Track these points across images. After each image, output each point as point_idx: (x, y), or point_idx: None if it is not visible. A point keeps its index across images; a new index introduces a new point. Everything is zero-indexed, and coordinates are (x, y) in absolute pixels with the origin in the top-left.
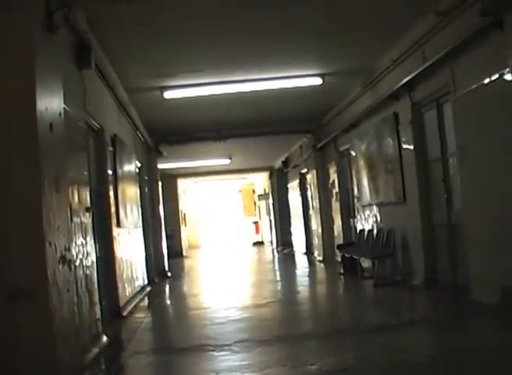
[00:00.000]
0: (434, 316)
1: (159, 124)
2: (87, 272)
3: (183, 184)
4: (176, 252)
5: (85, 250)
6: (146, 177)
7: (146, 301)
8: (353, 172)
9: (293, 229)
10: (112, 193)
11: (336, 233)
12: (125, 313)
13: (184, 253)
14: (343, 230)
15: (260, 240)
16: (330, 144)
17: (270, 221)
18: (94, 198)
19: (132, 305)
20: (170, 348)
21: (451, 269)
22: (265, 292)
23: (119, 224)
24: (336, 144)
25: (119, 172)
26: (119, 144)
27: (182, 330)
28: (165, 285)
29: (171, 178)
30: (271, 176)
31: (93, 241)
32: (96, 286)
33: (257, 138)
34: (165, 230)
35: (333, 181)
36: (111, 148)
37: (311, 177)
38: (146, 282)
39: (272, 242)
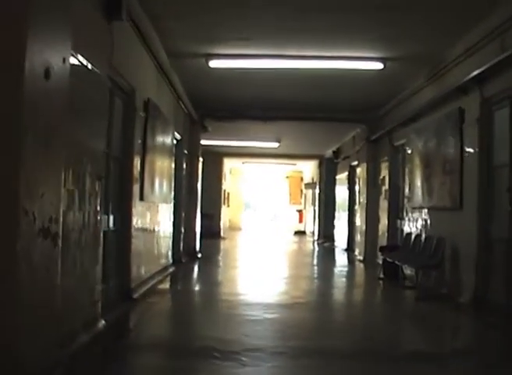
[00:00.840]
0: (482, 346)
1: (205, 97)
2: (88, 247)
3: (229, 164)
4: (213, 233)
5: (89, 223)
6: (186, 151)
7: (165, 284)
8: (407, 170)
9: (336, 222)
10: (137, 163)
11: (380, 233)
12: (136, 295)
13: (222, 234)
14: (388, 230)
15: (302, 229)
16: (385, 137)
17: (314, 211)
18: (115, 167)
19: (147, 287)
20: (169, 346)
21: (506, 291)
22: (295, 290)
23: (142, 198)
24: (391, 138)
25: (150, 141)
26: (154, 111)
27: (190, 325)
28: (192, 267)
29: (216, 156)
30: (320, 165)
31: (104, 212)
32: (99, 264)
33: (308, 123)
34: (202, 209)
35: (384, 177)
36: (142, 114)
37: (360, 171)
38: (170, 262)
39: (313, 233)
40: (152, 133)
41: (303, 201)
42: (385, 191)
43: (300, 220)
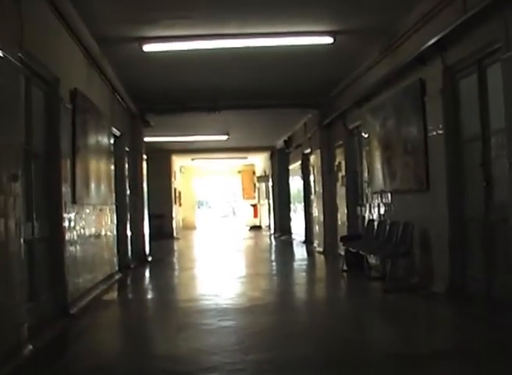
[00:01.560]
0: (467, 344)
1: (143, 88)
2: (7, 261)
3: (179, 162)
4: (166, 233)
5: (6, 231)
6: (127, 149)
7: (110, 293)
8: (364, 153)
9: (292, 215)
10: (66, 162)
11: (339, 223)
12: (74, 310)
13: (175, 234)
14: (348, 219)
15: (258, 224)
16: (338, 120)
17: (269, 205)
18: (38, 167)
19: (88, 299)
20: (111, 371)
21: (485, 278)
22: (253, 290)
23: (75, 200)
24: (345, 121)
25: (81, 137)
26: (83, 103)
27: (137, 342)
28: (141, 272)
29: (164, 153)
30: (272, 157)
31: (27, 219)
32: (22, 280)
33: (257, 113)
34: (150, 210)
35: (340, 163)
36: (69, 105)
37: (314, 158)
38: (116, 268)
39: (269, 227)
40: (83, 128)
41: (256, 195)
42: (342, 177)
43: (255, 215)
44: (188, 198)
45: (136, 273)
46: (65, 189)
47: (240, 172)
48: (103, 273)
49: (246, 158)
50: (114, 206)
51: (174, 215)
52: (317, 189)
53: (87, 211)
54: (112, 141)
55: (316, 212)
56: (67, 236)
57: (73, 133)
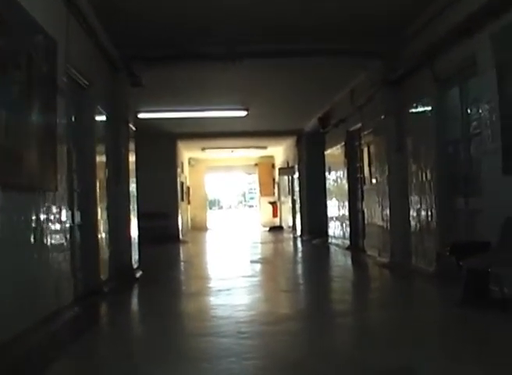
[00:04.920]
0: None
1: (128, 20)
2: None
3: (187, 153)
4: (170, 236)
5: None
6: (104, 114)
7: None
8: (481, 109)
9: (329, 212)
10: None
11: (417, 222)
12: None
13: (182, 237)
14: (438, 216)
15: (278, 224)
16: (419, 70)
17: (294, 201)
18: None
19: None
20: None
21: None
22: (304, 342)
23: None
24: (435, 67)
25: None
26: None
27: None
28: (115, 306)
29: (167, 138)
30: (298, 143)
31: None
32: None
33: (288, 70)
34: (148, 206)
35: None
36: None
37: (371, 133)
38: (71, 298)
39: (294, 228)
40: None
41: (276, 191)
42: (427, 152)
43: (275, 214)
44: (198, 194)
45: (108, 307)
46: None
47: (256, 165)
48: (33, 315)
49: (265, 148)
50: (64, 193)
51: (182, 214)
52: (375, 177)
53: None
54: (63, 80)
55: (372, 208)
56: None
57: None
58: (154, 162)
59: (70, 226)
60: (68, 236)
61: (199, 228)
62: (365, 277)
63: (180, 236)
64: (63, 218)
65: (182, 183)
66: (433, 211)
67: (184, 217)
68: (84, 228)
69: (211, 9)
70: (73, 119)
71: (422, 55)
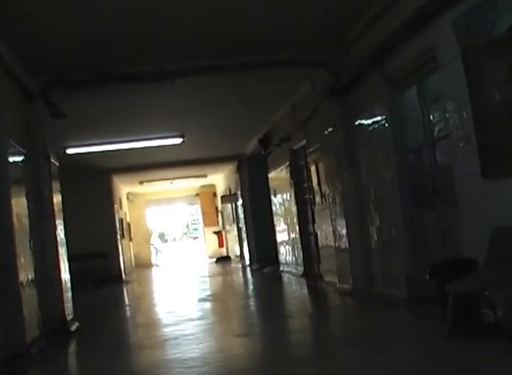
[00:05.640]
0: None
1: (42, 45)
2: None
3: (124, 188)
4: (111, 276)
5: None
6: (20, 150)
7: None
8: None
9: (279, 238)
10: None
11: (382, 243)
12: None
13: (125, 277)
14: (405, 233)
15: (225, 254)
16: (368, 73)
17: (239, 229)
18: None
19: None
20: None
21: None
22: None
23: None
24: (384, 68)
25: None
26: None
27: None
28: (42, 369)
29: (101, 174)
30: (239, 168)
31: None
32: None
33: (224, 91)
34: (74, 249)
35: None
36: None
37: (318, 150)
38: None
39: (242, 257)
40: None
41: (220, 220)
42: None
43: (220, 244)
44: (140, 230)
45: None
46: None
47: (198, 195)
48: None
49: (205, 176)
50: None
51: (123, 252)
52: (327, 196)
53: None
54: None
55: (326, 230)
56: None
57: None
58: (89, 200)
59: None
60: None
61: (143, 265)
62: (326, 309)
63: (123, 276)
64: None
65: (121, 220)
66: (398, 228)
67: (126, 255)
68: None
69: (136, 28)
70: None
71: (370, 56)
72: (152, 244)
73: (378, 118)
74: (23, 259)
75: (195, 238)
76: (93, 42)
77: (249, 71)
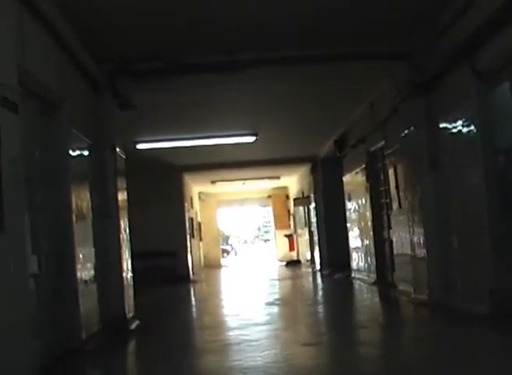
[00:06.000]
0: None
1: (108, 32)
2: None
3: (196, 187)
4: (179, 276)
5: None
6: (86, 140)
7: None
8: None
9: (351, 243)
10: None
11: (463, 252)
12: None
13: (192, 276)
14: (493, 243)
15: (295, 258)
16: (456, 66)
17: (311, 233)
18: None
19: None
20: None
21: None
22: None
23: None
24: (475, 59)
25: None
26: None
27: None
28: (96, 366)
29: (172, 172)
30: (313, 170)
31: None
32: None
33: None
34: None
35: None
36: None
37: (396, 152)
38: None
39: (313, 262)
40: None
41: (292, 223)
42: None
43: (291, 247)
44: (210, 230)
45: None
46: None
47: (270, 196)
48: None
49: (278, 178)
50: (22, 236)
51: (192, 251)
52: (405, 201)
53: None
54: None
55: (402, 237)
56: None
57: None
58: (159, 197)
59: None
60: (30, 286)
61: (212, 265)
62: (400, 320)
63: (191, 275)
64: (20, 264)
65: (191, 219)
66: (483, 237)
67: (196, 254)
68: (58, 275)
69: (203, 17)
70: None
71: (459, 47)
72: (230, 244)
73: (466, 116)
74: (83, 254)
75: (266, 241)
76: (156, 31)
77: (327, 63)
